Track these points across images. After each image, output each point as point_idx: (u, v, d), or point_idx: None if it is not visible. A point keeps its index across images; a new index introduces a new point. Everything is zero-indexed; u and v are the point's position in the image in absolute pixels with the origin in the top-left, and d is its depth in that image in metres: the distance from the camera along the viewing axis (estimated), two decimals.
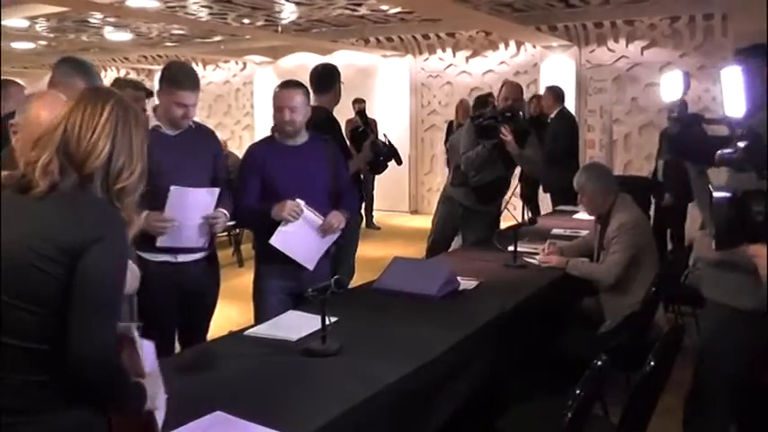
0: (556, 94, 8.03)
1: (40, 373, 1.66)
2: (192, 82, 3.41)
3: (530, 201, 8.71)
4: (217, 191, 3.42)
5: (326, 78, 4.81)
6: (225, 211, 3.50)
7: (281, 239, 3.49)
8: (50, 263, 1.64)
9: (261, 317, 3.48)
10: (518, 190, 8.19)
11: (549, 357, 3.79)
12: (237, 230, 8.04)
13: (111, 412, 1.81)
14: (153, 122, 3.43)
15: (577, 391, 2.26)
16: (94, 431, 1.77)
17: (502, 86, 5.82)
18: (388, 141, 5.21)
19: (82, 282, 1.65)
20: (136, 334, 1.89)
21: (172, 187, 3.24)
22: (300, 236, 3.53)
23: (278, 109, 3.60)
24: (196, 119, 3.56)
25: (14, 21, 10.27)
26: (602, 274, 4.00)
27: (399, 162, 5.36)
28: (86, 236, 1.66)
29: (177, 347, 3.54)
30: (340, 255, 4.42)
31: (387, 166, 5.18)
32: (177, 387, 2.25)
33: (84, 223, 1.69)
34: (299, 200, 3.49)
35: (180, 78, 3.38)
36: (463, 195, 5.54)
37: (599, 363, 2.33)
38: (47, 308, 1.65)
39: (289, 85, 3.68)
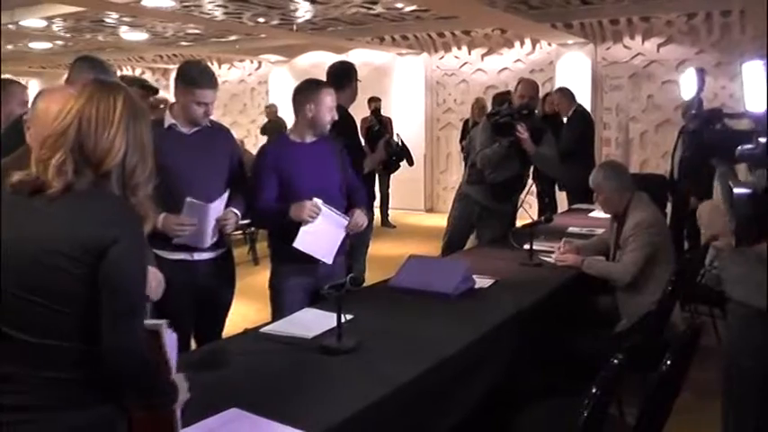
0: (567, 94, 7.99)
1: (63, 370, 1.67)
2: (210, 80, 3.42)
3: (546, 198, 8.69)
4: (226, 195, 3.44)
5: (344, 76, 4.81)
6: (236, 211, 3.51)
7: (303, 241, 3.49)
8: (72, 262, 1.64)
9: (278, 315, 3.48)
10: (534, 188, 8.19)
11: (564, 356, 3.77)
12: (253, 229, 8.05)
13: (141, 407, 1.82)
14: (169, 121, 3.45)
15: (594, 390, 2.25)
16: (116, 428, 1.77)
17: (518, 84, 5.80)
18: (401, 141, 5.22)
19: (107, 283, 1.65)
20: (167, 331, 1.87)
21: (187, 199, 3.26)
22: (320, 234, 3.54)
23: (328, 109, 3.62)
24: (212, 117, 3.58)
25: (32, 21, 10.36)
26: (619, 273, 3.98)
27: (411, 163, 5.36)
28: (106, 235, 1.65)
29: (193, 345, 3.55)
30: (354, 252, 4.45)
31: (399, 166, 5.19)
32: (193, 384, 2.26)
33: (102, 223, 1.68)
34: (316, 199, 3.49)
35: (199, 77, 3.39)
36: (479, 193, 5.52)
37: (615, 361, 2.31)
38: (71, 306, 1.65)
39: (327, 84, 3.73)
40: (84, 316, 1.65)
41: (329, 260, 3.60)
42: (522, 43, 11.74)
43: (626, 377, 2.53)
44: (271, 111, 12.70)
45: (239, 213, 3.53)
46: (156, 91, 4.93)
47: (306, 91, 3.65)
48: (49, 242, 1.65)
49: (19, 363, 1.66)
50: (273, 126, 12.30)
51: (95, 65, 3.34)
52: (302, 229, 3.46)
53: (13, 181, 1.72)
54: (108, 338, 1.65)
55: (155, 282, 2.39)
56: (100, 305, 1.65)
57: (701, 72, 2.55)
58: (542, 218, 5.01)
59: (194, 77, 3.39)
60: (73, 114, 1.73)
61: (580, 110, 7.89)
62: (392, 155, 4.91)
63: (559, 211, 7.94)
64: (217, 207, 3.39)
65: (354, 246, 4.51)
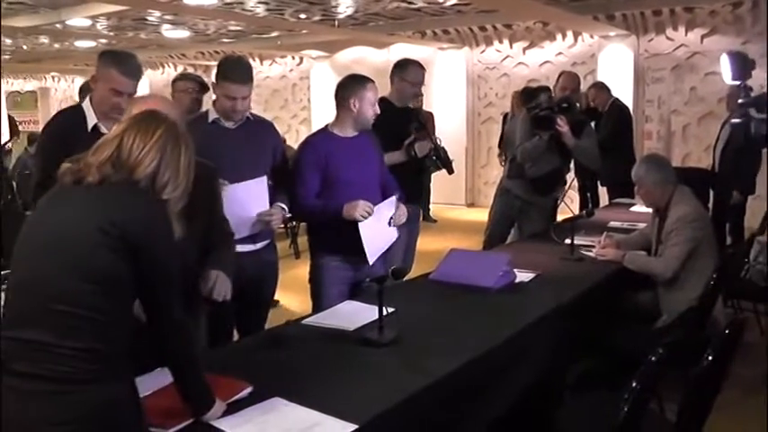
0: (603, 87, 7.93)
1: (87, 340, 1.81)
2: (239, 75, 3.43)
3: (588, 193, 8.63)
4: (263, 179, 3.44)
5: (393, 71, 4.89)
6: (282, 206, 3.54)
7: (363, 230, 3.54)
8: (105, 238, 1.82)
9: (317, 308, 3.52)
10: (575, 183, 8.12)
11: (604, 351, 3.76)
12: (294, 223, 8.11)
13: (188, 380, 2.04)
14: (213, 115, 3.49)
15: (634, 385, 2.25)
16: (127, 406, 1.90)
17: (559, 77, 5.78)
18: (442, 148, 5.00)
19: (146, 271, 1.89)
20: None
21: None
22: (376, 229, 3.60)
23: (370, 104, 3.66)
24: (255, 112, 3.62)
25: (77, 20, 10.53)
26: (660, 268, 3.95)
27: (450, 171, 5.11)
28: (139, 220, 1.89)
29: (236, 336, 3.61)
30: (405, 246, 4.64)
31: (435, 168, 5.06)
32: (236, 373, 2.32)
33: (135, 209, 1.92)
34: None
35: (229, 72, 3.43)
36: (519, 187, 5.51)
37: (656, 357, 2.31)
38: (102, 280, 1.82)
39: (370, 79, 3.74)
40: (110, 291, 1.84)
41: (371, 261, 3.62)
42: (564, 36, 11.64)
43: (667, 373, 2.53)
44: None
45: (286, 208, 3.56)
46: (207, 87, 4.97)
47: (349, 86, 3.69)
48: (87, 219, 1.86)
49: (47, 331, 1.79)
50: None
51: (114, 57, 3.35)
52: (363, 222, 3.52)
53: (59, 172, 1.98)
54: (153, 317, 1.95)
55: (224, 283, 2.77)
56: (129, 283, 1.87)
57: (735, 56, 2.48)
58: (583, 212, 4.98)
59: (225, 72, 3.43)
60: (118, 132, 2.02)
61: (617, 103, 7.83)
62: (413, 159, 4.74)
63: (601, 205, 7.89)
64: (253, 187, 3.39)
65: (405, 240, 4.63)
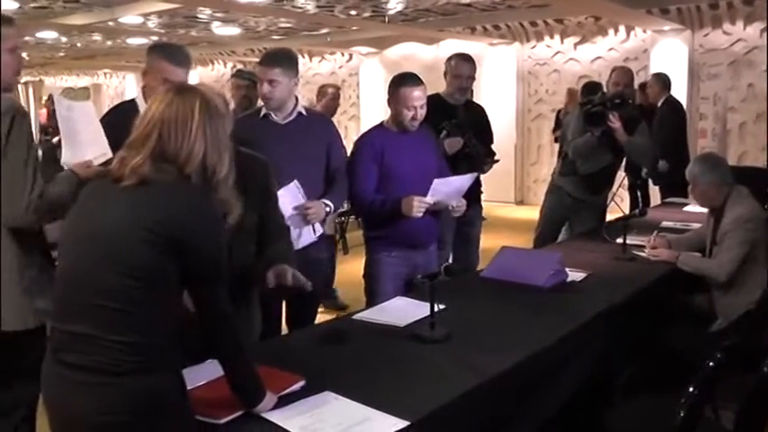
0: (663, 81, 7.76)
1: (128, 334, 1.81)
2: (266, 57, 3.47)
3: (639, 191, 8.51)
4: (292, 185, 3.38)
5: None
6: (327, 202, 3.51)
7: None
8: (154, 236, 1.81)
9: (373, 304, 3.49)
10: (625, 181, 8.00)
11: (656, 353, 3.70)
12: (343, 218, 8.14)
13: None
14: (264, 110, 3.51)
15: (691, 389, 2.21)
16: (171, 397, 1.90)
17: (612, 72, 5.70)
18: (474, 147, 4.83)
19: (192, 266, 1.87)
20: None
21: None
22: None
23: (407, 106, 3.63)
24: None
25: (129, 18, 10.74)
26: (714, 270, 3.85)
27: (479, 171, 4.94)
28: (183, 218, 1.86)
29: (285, 329, 3.62)
30: (467, 246, 4.85)
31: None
32: (286, 367, 2.33)
33: (180, 206, 1.87)
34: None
35: (263, 56, 3.50)
36: (571, 185, 5.45)
37: (714, 362, 2.26)
38: (144, 276, 1.81)
39: (410, 81, 3.68)
40: (154, 286, 1.83)
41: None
42: (617, 31, 11.47)
43: (722, 379, 2.47)
44: None
45: (332, 205, 3.53)
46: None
47: (390, 86, 3.71)
48: (130, 216, 1.84)
49: (92, 324, 1.81)
50: None
51: (163, 50, 3.38)
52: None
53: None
54: (201, 308, 1.93)
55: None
56: (174, 277, 1.86)
57: None
58: (636, 211, 4.91)
59: (261, 58, 3.48)
60: (154, 122, 1.93)
61: (671, 100, 7.66)
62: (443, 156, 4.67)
63: (652, 204, 7.76)
64: (284, 195, 3.30)
65: (469, 239, 4.84)
